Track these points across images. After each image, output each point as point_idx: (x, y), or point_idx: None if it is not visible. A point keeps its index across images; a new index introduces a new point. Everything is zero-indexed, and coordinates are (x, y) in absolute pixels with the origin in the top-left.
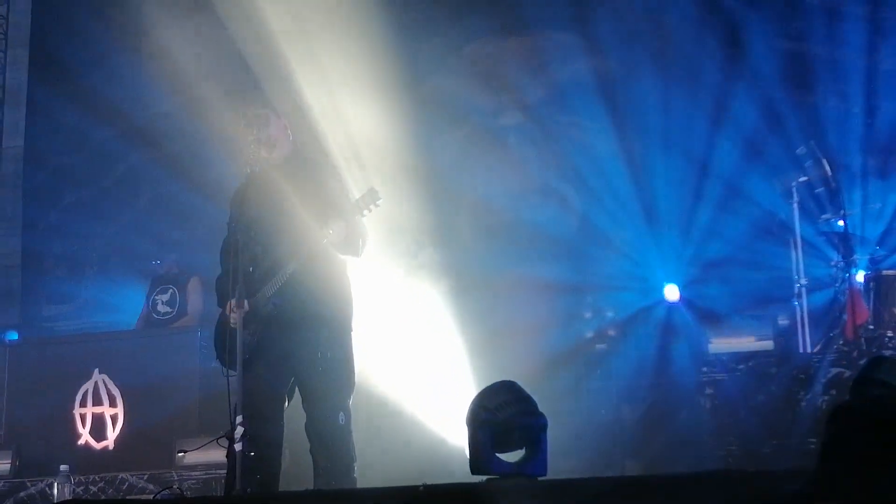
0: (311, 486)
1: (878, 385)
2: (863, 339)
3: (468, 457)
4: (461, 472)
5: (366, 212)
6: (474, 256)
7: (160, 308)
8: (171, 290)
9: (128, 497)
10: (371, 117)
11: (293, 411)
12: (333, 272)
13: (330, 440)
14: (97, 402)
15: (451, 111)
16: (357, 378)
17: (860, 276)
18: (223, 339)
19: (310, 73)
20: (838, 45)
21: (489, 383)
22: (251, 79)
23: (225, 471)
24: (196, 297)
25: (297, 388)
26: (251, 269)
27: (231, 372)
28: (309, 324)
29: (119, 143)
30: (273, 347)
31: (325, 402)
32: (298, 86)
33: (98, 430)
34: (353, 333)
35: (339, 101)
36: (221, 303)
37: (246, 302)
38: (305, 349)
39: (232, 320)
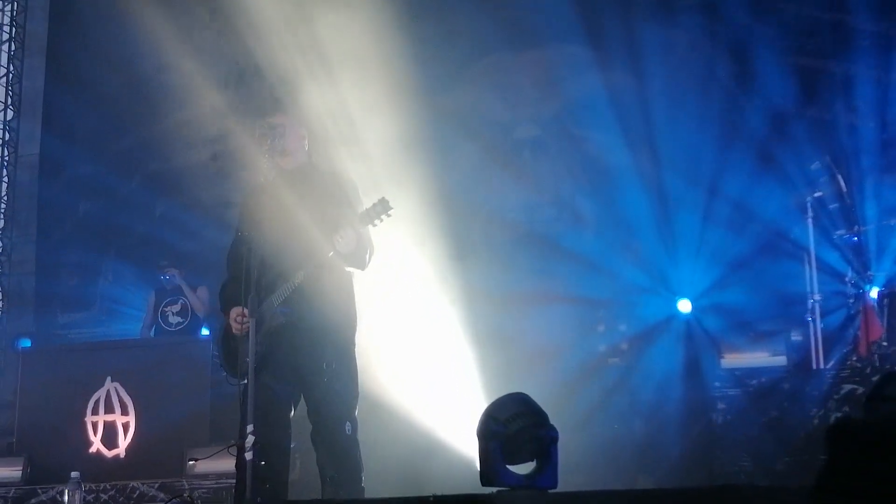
0: (319, 496)
1: (890, 401)
2: (876, 356)
3: (479, 468)
4: (472, 484)
5: (377, 222)
6: (488, 269)
7: (171, 319)
8: (181, 301)
9: None
10: (385, 129)
11: (304, 421)
12: (340, 284)
13: (337, 450)
14: (109, 410)
15: (465, 124)
16: (369, 388)
17: (874, 293)
18: (229, 347)
19: (324, 84)
20: (851, 61)
21: (500, 395)
22: (266, 88)
23: (235, 480)
24: (205, 297)
25: (301, 398)
26: (260, 277)
27: (235, 381)
28: (315, 334)
29: (135, 152)
30: (280, 357)
31: (332, 412)
32: (312, 97)
33: (109, 438)
34: (356, 346)
35: (353, 112)
36: (226, 309)
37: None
38: (312, 359)
39: (235, 328)
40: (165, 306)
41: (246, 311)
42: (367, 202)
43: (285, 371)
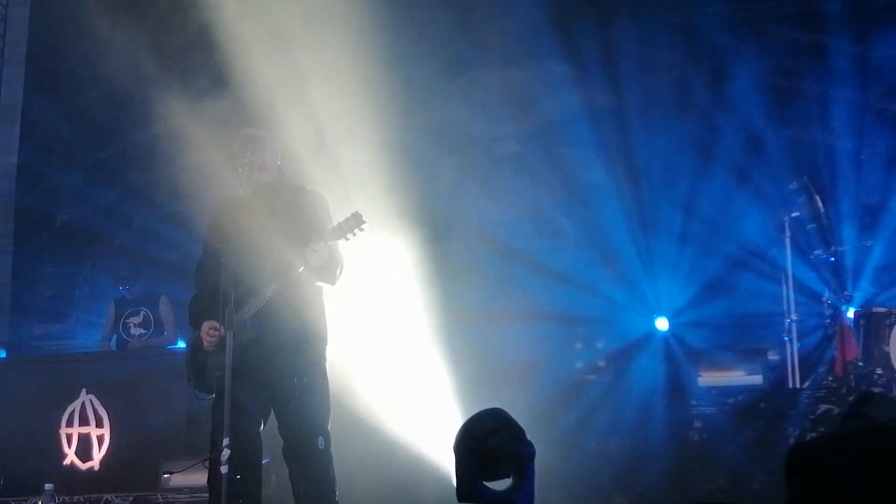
0: None
1: (865, 421)
2: (852, 376)
3: (455, 484)
4: (448, 500)
5: (349, 236)
6: (467, 284)
7: (133, 330)
8: (143, 312)
9: None
10: (364, 145)
11: (278, 436)
12: (310, 298)
13: (310, 465)
14: (84, 422)
15: (445, 140)
16: (346, 402)
17: (850, 313)
18: (196, 361)
19: (301, 100)
20: (829, 82)
21: (477, 411)
22: (245, 103)
23: (208, 495)
24: (168, 315)
25: (271, 413)
26: (232, 291)
27: (204, 395)
28: (286, 348)
29: (114, 164)
30: (251, 371)
31: (304, 426)
32: (290, 113)
33: (84, 451)
34: (326, 361)
35: (331, 128)
36: (195, 323)
37: (223, 326)
38: (283, 373)
39: (207, 343)
40: (127, 317)
41: (217, 324)
42: (341, 217)
43: (255, 385)
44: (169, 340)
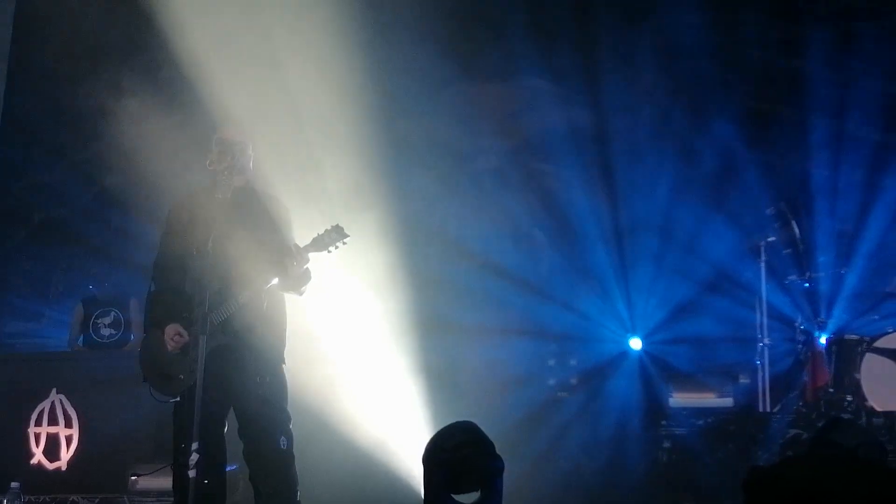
0: None
1: (833, 447)
2: (822, 402)
3: (422, 496)
4: None
5: (332, 248)
6: (443, 297)
7: (103, 331)
8: (113, 313)
9: None
10: (343, 154)
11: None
12: (276, 304)
13: (272, 464)
14: (53, 421)
15: (426, 152)
16: (314, 406)
17: (823, 340)
18: (156, 363)
19: (281, 107)
20: (807, 107)
21: (447, 423)
22: (222, 107)
23: (173, 500)
24: (139, 317)
25: (230, 415)
26: (205, 295)
27: (164, 398)
28: (250, 352)
29: (95, 163)
30: (216, 376)
31: (266, 426)
32: (270, 119)
33: (51, 451)
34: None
35: (311, 136)
36: (158, 322)
37: (186, 330)
38: (245, 375)
39: (172, 346)
40: (97, 318)
41: (182, 330)
42: (321, 229)
43: (219, 387)
44: (139, 343)
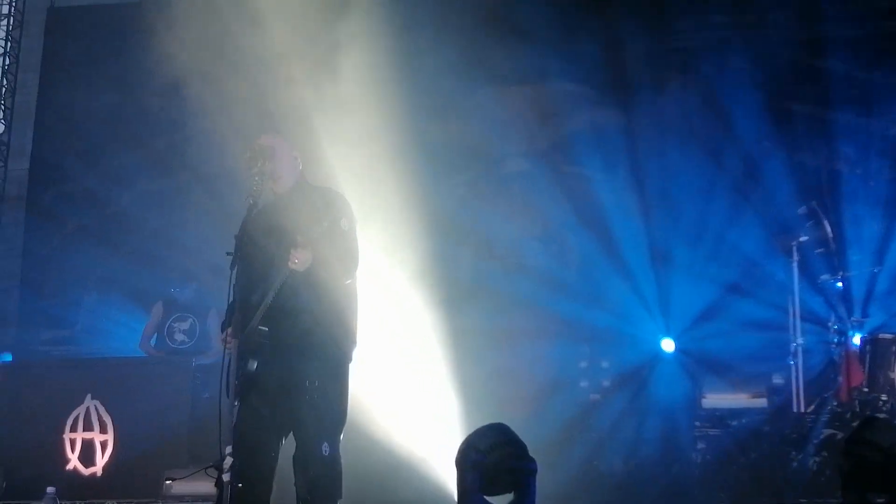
0: None
1: (868, 446)
2: (857, 402)
3: (456, 498)
4: None
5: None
6: (474, 301)
7: (177, 336)
8: (190, 320)
9: None
10: (375, 159)
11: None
12: (324, 298)
13: (311, 471)
14: (88, 427)
15: (455, 156)
16: (350, 411)
17: (856, 339)
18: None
19: (319, 109)
20: (841, 108)
21: (480, 426)
22: (262, 109)
23: (212, 503)
24: (217, 328)
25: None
26: (247, 299)
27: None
28: (296, 350)
29: (128, 169)
30: (269, 378)
31: (309, 431)
32: (303, 122)
33: (87, 456)
34: (350, 363)
35: (348, 135)
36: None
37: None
38: (294, 376)
39: (227, 346)
40: (174, 321)
41: (228, 332)
42: (362, 236)
43: (275, 392)
44: (216, 354)
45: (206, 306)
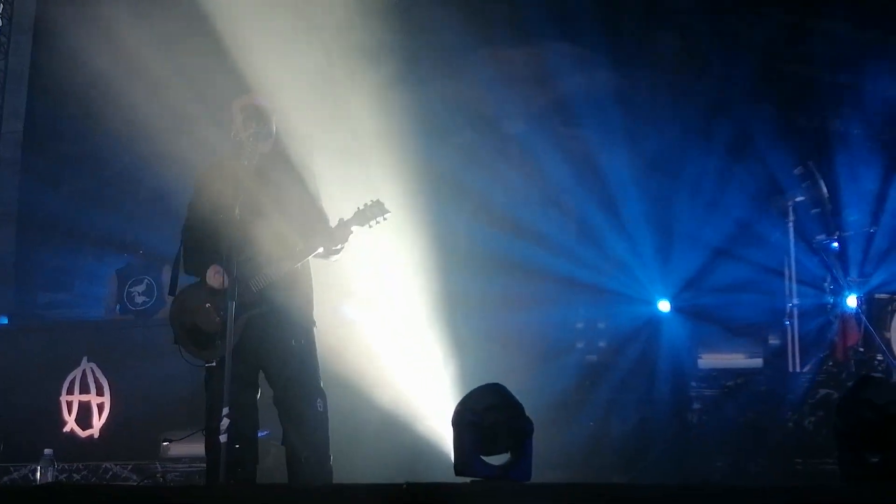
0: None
1: (864, 406)
2: (852, 362)
3: (453, 458)
4: (445, 473)
5: (372, 223)
6: (472, 262)
7: (137, 299)
8: (146, 280)
9: None
10: (373, 115)
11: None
12: (306, 270)
13: (308, 428)
14: (84, 390)
15: (452, 117)
16: (345, 373)
17: (852, 299)
18: (185, 324)
19: (313, 69)
20: (838, 69)
21: (477, 386)
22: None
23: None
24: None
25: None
26: (240, 258)
27: (198, 362)
28: (284, 317)
29: (124, 133)
30: (247, 342)
31: (303, 388)
32: (300, 79)
33: (84, 419)
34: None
35: (342, 95)
36: (200, 271)
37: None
38: (281, 340)
39: (217, 282)
40: (130, 286)
41: (219, 268)
42: (357, 199)
43: (249, 355)
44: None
45: (159, 261)
